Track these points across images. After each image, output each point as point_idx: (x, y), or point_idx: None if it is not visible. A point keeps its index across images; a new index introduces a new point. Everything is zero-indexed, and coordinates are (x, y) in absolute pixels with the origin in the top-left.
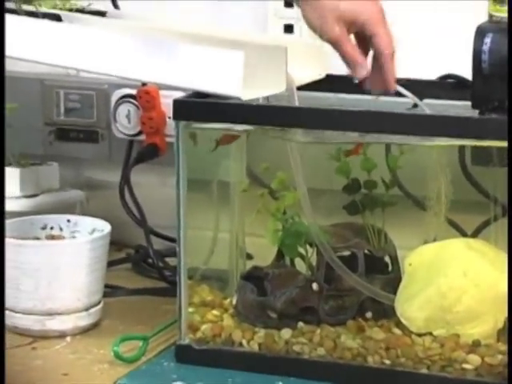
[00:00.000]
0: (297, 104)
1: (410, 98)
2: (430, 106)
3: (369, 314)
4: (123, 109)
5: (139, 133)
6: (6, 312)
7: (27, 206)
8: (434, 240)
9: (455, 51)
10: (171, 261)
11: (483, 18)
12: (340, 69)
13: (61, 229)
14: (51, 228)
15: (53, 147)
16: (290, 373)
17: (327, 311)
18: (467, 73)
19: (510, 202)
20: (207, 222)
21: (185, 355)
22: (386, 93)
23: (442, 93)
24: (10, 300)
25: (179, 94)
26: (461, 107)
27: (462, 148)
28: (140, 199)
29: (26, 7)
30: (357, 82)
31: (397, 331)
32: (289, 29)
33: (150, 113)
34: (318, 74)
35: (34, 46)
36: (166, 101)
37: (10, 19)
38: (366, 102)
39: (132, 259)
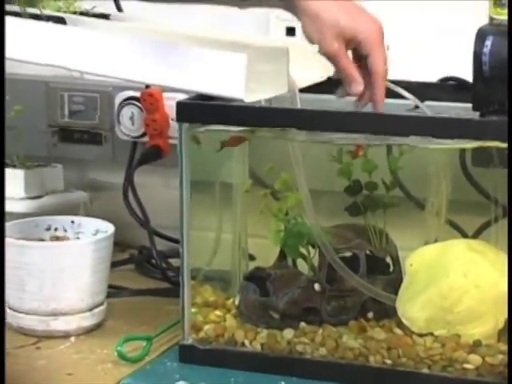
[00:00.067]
0: (299, 106)
1: (411, 100)
2: (431, 107)
3: (370, 315)
4: (127, 111)
5: (143, 135)
6: (12, 312)
7: (32, 207)
8: (435, 241)
9: (456, 53)
10: (174, 261)
11: (484, 20)
12: None
13: (65, 230)
14: (55, 229)
15: (57, 149)
16: (292, 373)
17: (329, 311)
18: (468, 75)
19: (511, 203)
20: (210, 223)
21: (188, 355)
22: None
23: (442, 95)
24: (15, 301)
25: (182, 96)
26: (461, 109)
27: (462, 149)
28: (143, 200)
29: (30, 10)
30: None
31: (398, 331)
32: (291, 31)
33: (154, 115)
34: (319, 76)
35: (39, 48)
36: (170, 103)
37: (14, 22)
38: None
39: (135, 260)
